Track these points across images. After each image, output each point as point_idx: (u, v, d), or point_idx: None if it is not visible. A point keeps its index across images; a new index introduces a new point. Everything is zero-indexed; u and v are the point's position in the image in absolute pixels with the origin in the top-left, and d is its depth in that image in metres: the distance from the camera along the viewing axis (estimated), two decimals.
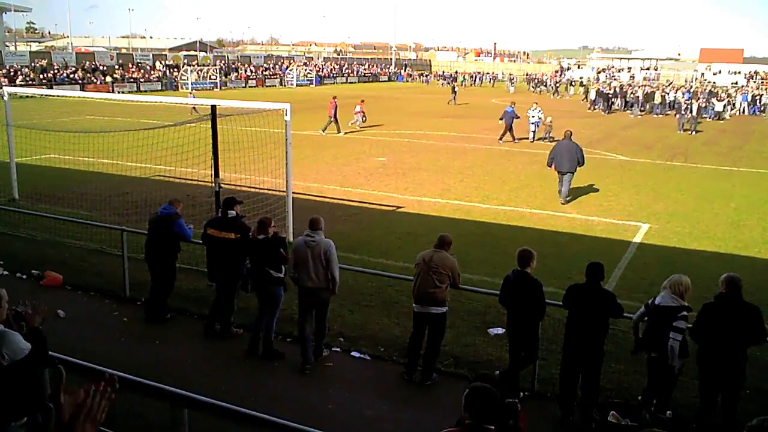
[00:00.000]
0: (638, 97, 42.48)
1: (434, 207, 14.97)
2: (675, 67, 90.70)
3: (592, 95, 45.34)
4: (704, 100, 39.81)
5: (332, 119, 27.42)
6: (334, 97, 28.08)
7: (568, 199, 15.64)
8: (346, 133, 27.71)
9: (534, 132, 26.51)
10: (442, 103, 45.66)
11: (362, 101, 31.70)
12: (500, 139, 25.92)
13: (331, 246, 7.24)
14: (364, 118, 30.48)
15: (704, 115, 38.17)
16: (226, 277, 8.01)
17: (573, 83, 65.21)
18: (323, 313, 7.50)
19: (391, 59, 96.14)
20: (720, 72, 78.89)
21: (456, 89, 48.15)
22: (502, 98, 47.82)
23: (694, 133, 30.25)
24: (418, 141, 25.93)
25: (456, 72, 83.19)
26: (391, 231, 12.83)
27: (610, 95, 44.04)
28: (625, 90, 46.78)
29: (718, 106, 39.89)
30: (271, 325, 7.64)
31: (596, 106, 43.08)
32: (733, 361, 5.71)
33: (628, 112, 41.44)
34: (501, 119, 26.33)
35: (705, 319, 5.84)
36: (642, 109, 40.85)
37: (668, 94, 44.41)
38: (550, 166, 15.78)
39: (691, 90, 47.51)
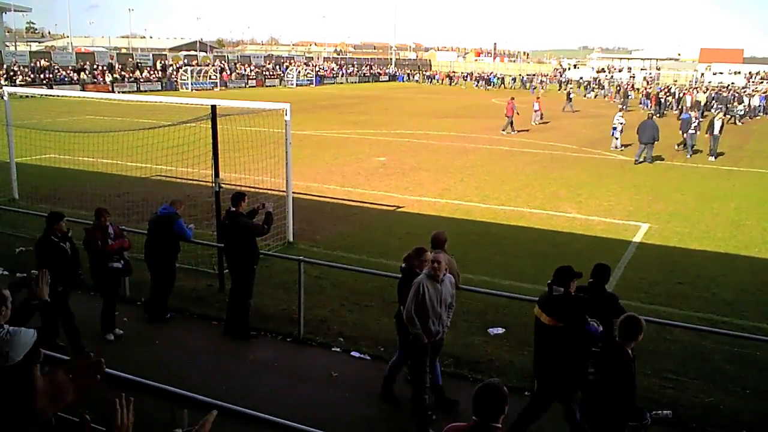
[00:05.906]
0: (698, 101, 37.42)
1: (434, 207, 14.97)
2: (675, 67, 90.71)
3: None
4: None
5: (511, 119, 28.90)
6: (512, 98, 29.40)
7: (646, 162, 21.54)
8: (519, 131, 29.05)
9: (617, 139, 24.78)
10: (443, 103, 45.61)
11: (538, 98, 33.32)
12: (679, 147, 24.85)
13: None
14: (541, 116, 32.82)
15: None
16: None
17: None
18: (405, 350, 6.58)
19: (391, 59, 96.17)
20: (720, 72, 78.86)
21: (572, 94, 43.08)
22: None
23: (714, 158, 23.09)
24: (418, 141, 25.92)
25: (491, 73, 76.36)
26: (391, 231, 12.83)
27: (662, 99, 42.05)
28: (681, 94, 42.85)
29: None
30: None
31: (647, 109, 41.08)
32: None
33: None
34: (681, 130, 24.98)
35: None
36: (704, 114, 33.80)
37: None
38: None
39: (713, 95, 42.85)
